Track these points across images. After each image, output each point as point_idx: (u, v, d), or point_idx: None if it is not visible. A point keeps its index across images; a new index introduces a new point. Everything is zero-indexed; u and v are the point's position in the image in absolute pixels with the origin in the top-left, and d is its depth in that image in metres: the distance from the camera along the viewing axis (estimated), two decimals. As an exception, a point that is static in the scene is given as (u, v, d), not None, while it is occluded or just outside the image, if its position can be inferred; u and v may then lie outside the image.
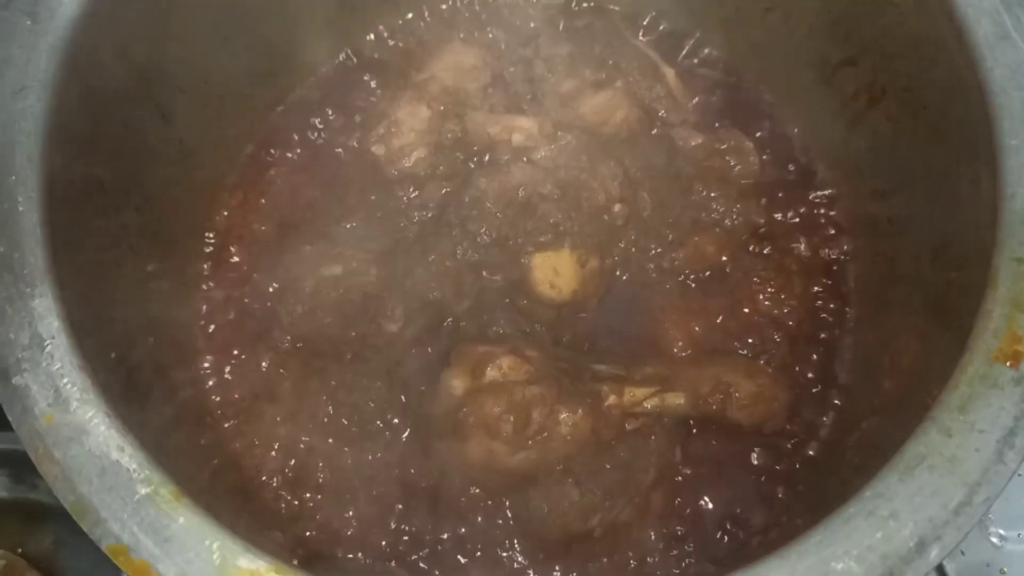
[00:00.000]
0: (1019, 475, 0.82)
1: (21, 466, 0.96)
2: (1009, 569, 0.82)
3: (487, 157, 0.79)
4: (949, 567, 0.81)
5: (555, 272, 0.75)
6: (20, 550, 0.96)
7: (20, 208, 0.54)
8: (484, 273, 0.75)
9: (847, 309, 0.76)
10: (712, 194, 0.79)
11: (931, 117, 0.64)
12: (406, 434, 0.73)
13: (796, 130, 0.82)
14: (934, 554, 0.47)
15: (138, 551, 0.49)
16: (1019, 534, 0.83)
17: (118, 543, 0.49)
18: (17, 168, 0.55)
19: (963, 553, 0.82)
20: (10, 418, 0.51)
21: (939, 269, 0.61)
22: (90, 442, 0.50)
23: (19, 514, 0.97)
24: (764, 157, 0.81)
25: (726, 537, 0.67)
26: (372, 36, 0.86)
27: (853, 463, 0.62)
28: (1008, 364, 0.50)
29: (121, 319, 0.62)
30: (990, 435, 0.49)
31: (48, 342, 0.52)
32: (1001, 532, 0.83)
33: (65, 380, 0.52)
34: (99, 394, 0.52)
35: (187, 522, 0.49)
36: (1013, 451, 0.49)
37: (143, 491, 0.50)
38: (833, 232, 0.79)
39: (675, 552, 0.67)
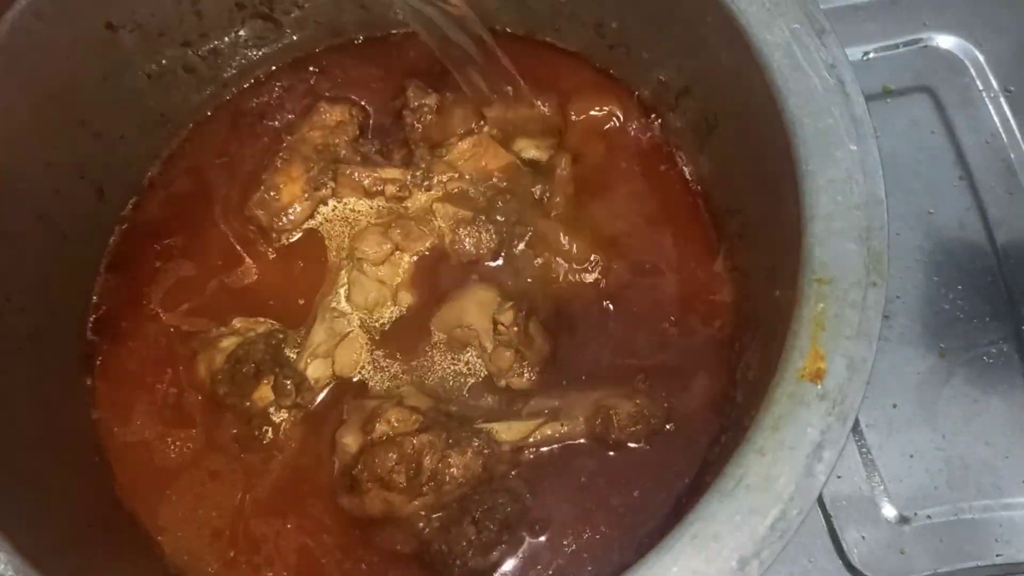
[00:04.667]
0: (911, 456, 0.89)
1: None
2: (909, 549, 0.85)
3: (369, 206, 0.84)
4: (852, 555, 0.85)
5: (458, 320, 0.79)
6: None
7: None
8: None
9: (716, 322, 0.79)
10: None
11: (753, 144, 0.68)
12: (312, 500, 0.76)
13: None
14: (754, 570, 0.51)
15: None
16: (915, 513, 0.86)
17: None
18: None
19: (864, 538, 0.85)
20: None
21: (772, 286, 0.65)
22: (-34, 555, 0.54)
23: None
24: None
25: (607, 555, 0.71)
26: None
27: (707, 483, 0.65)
28: (813, 381, 0.54)
29: (8, 420, 0.65)
30: (800, 451, 0.53)
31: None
32: (900, 514, 0.86)
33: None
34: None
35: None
36: (821, 463, 0.53)
37: (20, 598, 0.53)
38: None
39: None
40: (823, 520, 0.85)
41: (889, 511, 0.86)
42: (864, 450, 0.88)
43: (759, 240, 0.70)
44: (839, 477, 0.87)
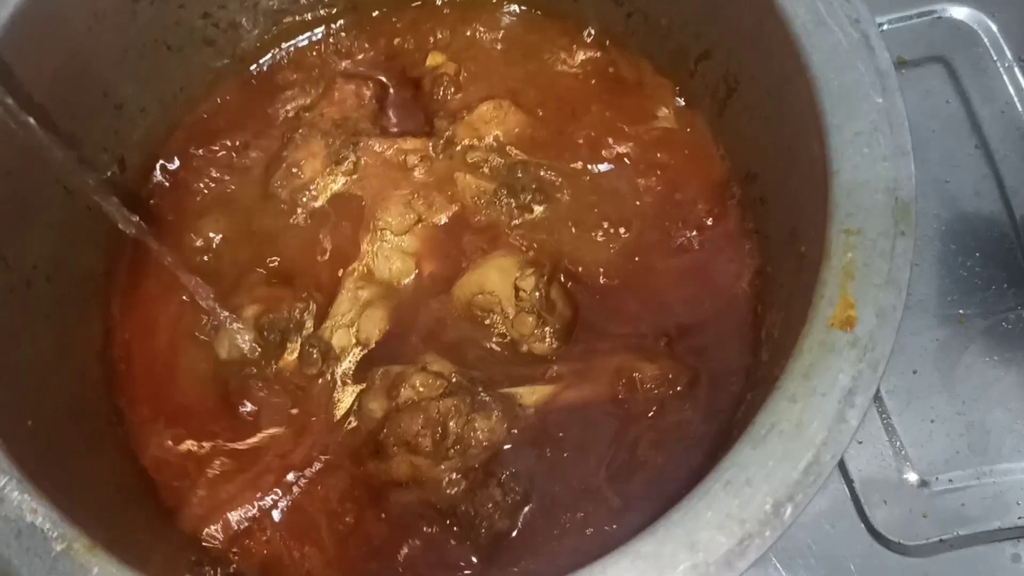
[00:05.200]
0: (931, 420, 0.89)
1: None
2: (931, 514, 0.85)
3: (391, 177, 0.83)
4: (875, 519, 0.85)
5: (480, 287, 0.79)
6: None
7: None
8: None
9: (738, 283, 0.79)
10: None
11: (774, 103, 0.68)
12: (337, 465, 0.76)
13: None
14: (788, 513, 0.51)
15: (58, 604, 0.53)
16: (937, 478, 0.87)
17: (39, 599, 0.53)
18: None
19: (886, 503, 0.86)
20: (-72, 493, 0.55)
21: (795, 245, 0.65)
22: (5, 508, 0.54)
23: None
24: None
25: (630, 514, 0.71)
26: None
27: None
28: (844, 329, 0.54)
29: (35, 387, 0.66)
30: (831, 397, 0.53)
31: (-41, 419, 0.56)
32: (922, 479, 0.87)
33: (-22, 453, 0.56)
34: (12, 463, 0.56)
35: (101, 571, 0.53)
36: (853, 409, 0.53)
37: (58, 548, 0.54)
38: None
39: (589, 535, 0.71)
40: (845, 486, 0.85)
41: (911, 476, 0.86)
42: (885, 416, 0.88)
43: (780, 201, 0.71)
44: (860, 443, 0.87)
